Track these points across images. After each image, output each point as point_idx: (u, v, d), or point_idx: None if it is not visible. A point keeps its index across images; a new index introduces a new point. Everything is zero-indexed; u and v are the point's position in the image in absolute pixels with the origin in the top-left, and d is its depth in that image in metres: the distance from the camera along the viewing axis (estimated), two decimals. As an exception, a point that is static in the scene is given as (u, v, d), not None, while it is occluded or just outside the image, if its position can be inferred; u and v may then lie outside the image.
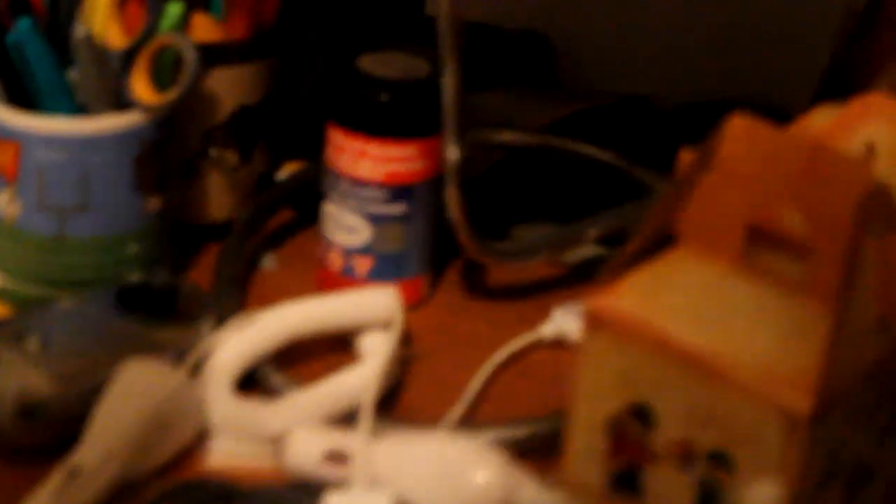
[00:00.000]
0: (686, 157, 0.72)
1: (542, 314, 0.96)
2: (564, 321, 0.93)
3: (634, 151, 1.09)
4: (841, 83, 0.94)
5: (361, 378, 0.83)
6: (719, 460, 0.70)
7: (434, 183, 0.93)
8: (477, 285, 0.99)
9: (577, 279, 1.01)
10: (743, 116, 0.71)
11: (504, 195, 1.06)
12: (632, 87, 1.28)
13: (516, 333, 0.94)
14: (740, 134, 0.71)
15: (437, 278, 0.99)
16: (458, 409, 0.85)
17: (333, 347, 0.90)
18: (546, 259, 0.97)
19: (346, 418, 0.83)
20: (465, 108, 0.88)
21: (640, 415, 0.73)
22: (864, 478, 0.73)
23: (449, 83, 0.86)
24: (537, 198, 1.07)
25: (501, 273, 1.01)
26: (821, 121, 0.79)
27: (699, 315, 0.71)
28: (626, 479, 0.74)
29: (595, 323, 0.73)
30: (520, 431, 0.82)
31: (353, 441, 0.78)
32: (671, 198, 0.73)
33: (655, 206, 0.73)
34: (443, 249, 0.98)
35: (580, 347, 0.74)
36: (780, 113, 1.11)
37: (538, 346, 0.94)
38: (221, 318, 0.87)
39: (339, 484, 0.78)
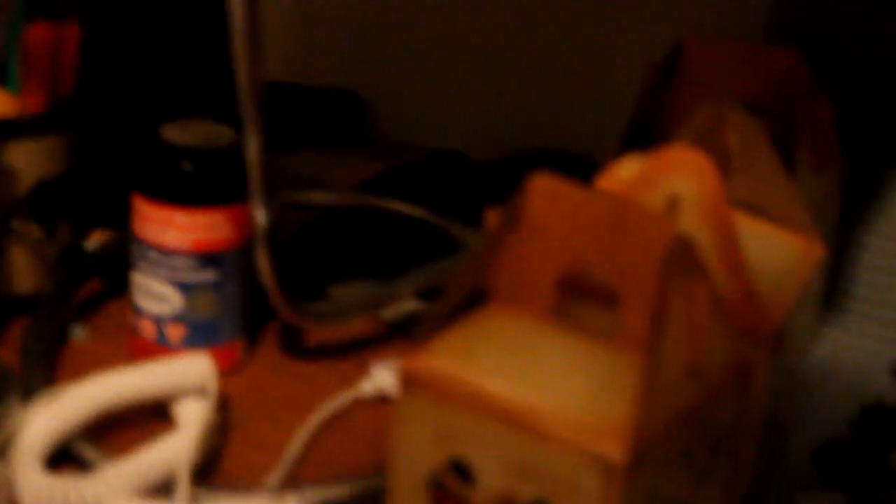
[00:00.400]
0: (493, 214, 0.73)
1: (362, 371, 0.96)
2: (383, 377, 0.94)
3: (449, 206, 1.10)
4: (646, 135, 0.96)
5: (177, 447, 0.82)
6: (539, 512, 0.71)
7: (245, 247, 0.93)
8: (295, 347, 0.99)
9: (396, 335, 1.01)
10: (545, 174, 0.72)
11: (319, 255, 1.06)
12: (445, 141, 1.29)
13: (336, 392, 0.94)
14: (543, 191, 0.72)
15: (254, 341, 0.99)
16: (278, 473, 0.84)
17: (151, 417, 0.89)
18: (363, 317, 0.97)
19: (163, 488, 0.82)
20: (272, 171, 0.88)
21: (460, 470, 0.73)
22: (683, 520, 0.75)
23: (252, 147, 0.86)
24: (354, 256, 1.07)
25: (320, 333, 1.00)
26: (626, 172, 0.81)
27: (513, 369, 0.72)
28: (449, 535, 0.75)
29: (410, 382, 0.73)
30: (341, 491, 0.82)
31: (172, 513, 0.77)
32: (481, 254, 0.74)
33: (466, 264, 0.74)
34: (259, 312, 0.97)
35: (396, 407, 0.74)
36: (593, 164, 1.13)
37: (359, 403, 0.94)
38: (28, 395, 0.86)
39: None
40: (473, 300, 0.76)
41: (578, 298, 0.74)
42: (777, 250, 0.84)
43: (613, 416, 0.69)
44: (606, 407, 0.69)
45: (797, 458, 0.89)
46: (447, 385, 0.72)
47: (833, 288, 1.01)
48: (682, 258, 0.69)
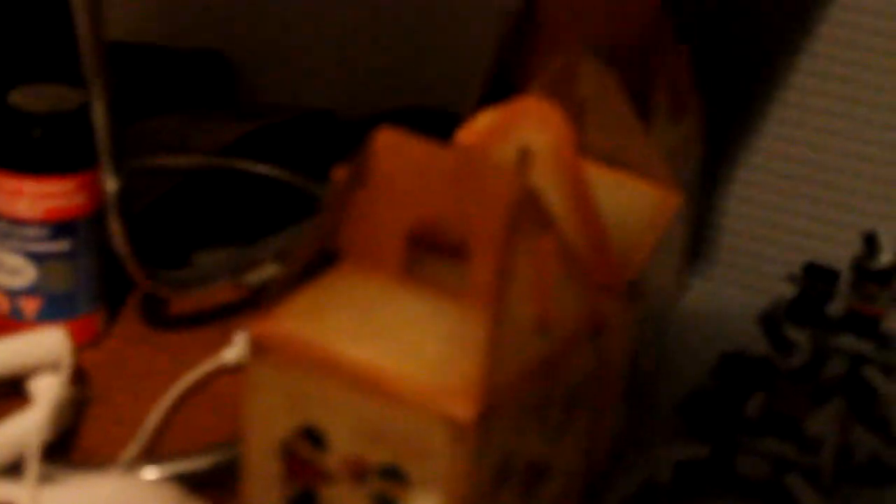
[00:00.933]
0: (339, 172, 0.72)
1: (227, 339, 0.95)
2: (245, 344, 0.92)
3: (316, 166, 1.09)
4: (506, 86, 0.95)
5: (28, 424, 0.80)
6: (392, 475, 0.70)
7: (100, 216, 0.91)
8: (156, 317, 0.98)
9: (259, 300, 1.00)
10: (389, 130, 0.71)
11: (181, 222, 1.05)
12: (316, 101, 1.27)
13: (199, 362, 0.92)
14: (388, 146, 0.71)
15: (114, 312, 0.97)
16: (135, 446, 0.83)
17: (6, 394, 0.87)
18: (225, 283, 0.96)
19: (16, 466, 0.80)
20: (123, 135, 0.86)
21: (312, 436, 0.72)
22: (541, 475, 0.74)
23: (98, 111, 0.84)
24: (216, 221, 1.05)
25: (182, 301, 0.99)
26: (483, 125, 0.80)
27: (364, 331, 0.71)
28: (304, 501, 0.74)
29: (259, 348, 0.72)
30: (198, 462, 0.81)
31: (21, 490, 0.75)
32: (329, 214, 0.73)
33: (315, 224, 0.73)
34: (119, 282, 0.96)
35: (247, 373, 0.73)
36: (459, 118, 1.12)
37: (222, 372, 0.92)
38: None
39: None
40: (325, 261, 0.75)
41: (431, 256, 0.74)
42: (633, 200, 0.83)
43: (461, 376, 0.68)
44: (455, 366, 0.69)
45: (665, 410, 0.89)
46: (296, 349, 0.71)
47: (698, 238, 1.01)
48: (528, 211, 0.68)
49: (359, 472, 0.71)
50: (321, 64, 1.26)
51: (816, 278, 0.90)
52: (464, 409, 0.67)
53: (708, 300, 0.99)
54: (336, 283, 0.74)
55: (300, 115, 1.18)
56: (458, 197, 0.70)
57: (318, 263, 0.75)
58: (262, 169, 1.05)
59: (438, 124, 1.08)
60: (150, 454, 0.84)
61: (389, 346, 0.70)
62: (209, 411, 0.89)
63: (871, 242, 0.88)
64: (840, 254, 0.98)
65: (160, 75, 1.21)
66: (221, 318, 0.98)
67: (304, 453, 0.73)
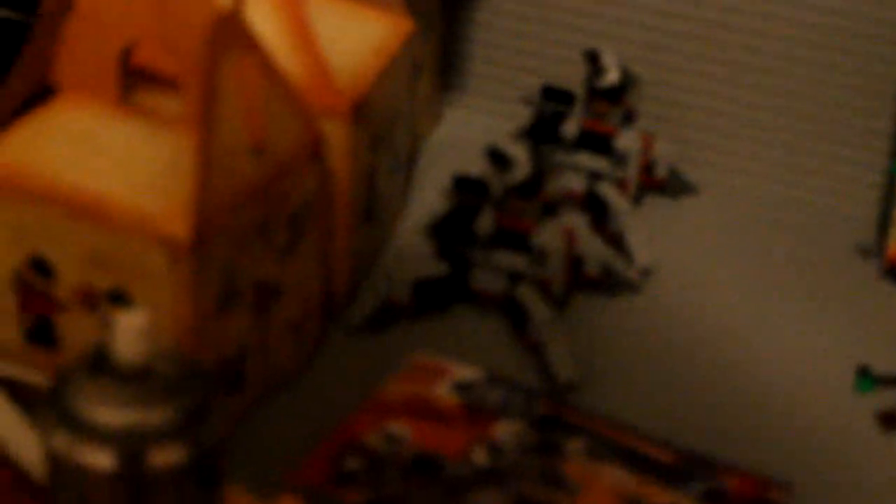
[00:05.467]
0: (48, 1, 0.74)
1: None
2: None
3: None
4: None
5: None
6: (119, 299, 0.74)
7: None
8: None
9: None
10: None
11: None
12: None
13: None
14: (96, -24, 0.73)
15: None
16: None
17: None
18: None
19: None
20: None
21: (41, 267, 0.75)
22: (271, 293, 0.78)
23: None
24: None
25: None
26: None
27: (83, 161, 0.74)
28: (41, 331, 0.77)
29: (-21, 182, 0.75)
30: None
31: None
32: (39, 45, 0.75)
33: (25, 55, 0.75)
34: None
35: (-29, 208, 0.76)
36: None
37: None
38: None
39: None
40: (43, 95, 0.78)
41: (148, 85, 0.77)
42: (361, 28, 0.87)
43: (177, 199, 0.72)
44: (171, 191, 0.72)
45: (415, 234, 0.94)
46: (15, 181, 0.74)
47: (448, 66, 1.05)
48: (231, 34, 0.71)
49: (88, 299, 0.74)
50: None
51: (552, 99, 0.95)
52: (179, 229, 0.71)
53: (459, 128, 1.04)
54: (53, 116, 0.76)
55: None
56: (164, 22, 0.72)
57: (36, 98, 0.78)
58: None
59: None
60: None
61: (107, 174, 0.73)
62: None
63: (594, 61, 0.92)
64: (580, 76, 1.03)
65: None
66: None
67: (35, 285, 0.76)
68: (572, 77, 1.02)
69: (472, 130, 1.05)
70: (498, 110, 1.05)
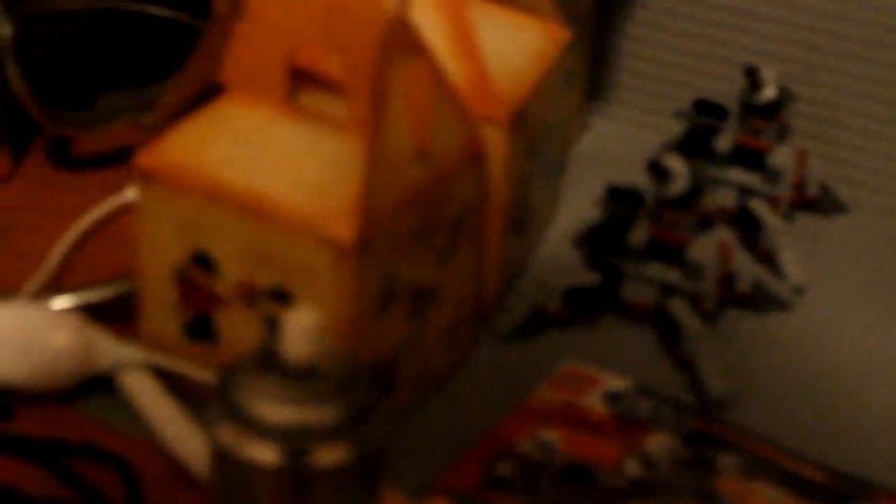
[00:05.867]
0: (218, 3, 0.76)
1: (129, 179, 0.99)
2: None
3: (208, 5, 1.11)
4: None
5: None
6: (280, 296, 0.75)
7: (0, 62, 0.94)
8: (63, 157, 1.01)
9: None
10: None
11: (84, 64, 1.08)
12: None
13: (103, 201, 0.96)
14: (268, -22, 0.75)
15: (21, 152, 1.01)
16: (39, 279, 0.87)
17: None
18: (125, 124, 0.99)
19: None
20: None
21: (203, 263, 0.77)
22: (428, 297, 0.79)
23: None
24: (116, 63, 1.08)
25: (86, 144, 1.03)
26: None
27: (249, 160, 0.75)
28: (200, 326, 0.78)
29: (147, 177, 0.76)
30: (100, 293, 0.85)
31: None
32: (208, 45, 0.76)
33: (195, 57, 0.77)
34: (26, 125, 0.99)
35: (137, 203, 0.77)
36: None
37: (124, 210, 0.96)
38: None
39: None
40: (211, 95, 0.79)
41: (314, 87, 0.78)
42: (518, 35, 0.87)
43: (343, 201, 0.73)
44: (336, 192, 0.73)
45: (562, 244, 0.94)
46: (182, 178, 0.75)
47: (597, 77, 1.05)
48: (400, 37, 0.72)
49: (249, 295, 0.76)
50: None
51: (705, 113, 0.94)
52: (345, 231, 0.71)
53: (607, 139, 1.04)
54: (221, 115, 0.78)
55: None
56: (333, 25, 0.73)
57: (203, 96, 0.79)
58: (154, 9, 1.08)
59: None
60: (55, 287, 0.88)
61: (273, 173, 0.75)
62: (111, 248, 0.93)
63: (753, 76, 0.92)
64: (734, 91, 1.02)
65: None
66: (124, 159, 1.02)
67: (196, 280, 0.77)
68: (723, 92, 1.02)
69: (617, 142, 1.05)
70: (644, 122, 1.05)
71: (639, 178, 0.99)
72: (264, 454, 0.60)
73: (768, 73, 0.93)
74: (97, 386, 0.80)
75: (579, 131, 1.04)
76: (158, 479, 0.75)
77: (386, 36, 0.71)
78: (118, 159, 1.02)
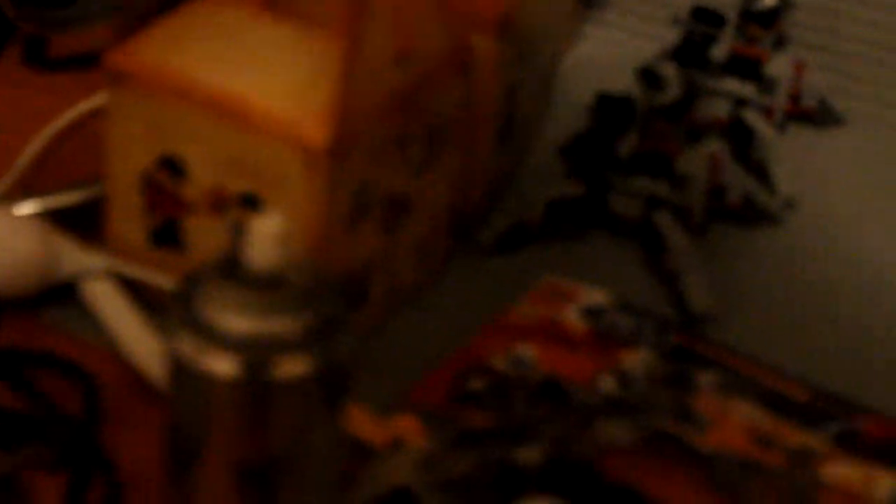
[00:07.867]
0: None
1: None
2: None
3: None
4: None
5: None
6: (250, 203, 0.73)
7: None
8: (39, 59, 0.99)
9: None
10: None
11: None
12: None
13: (77, 103, 0.95)
14: None
15: (-5, 53, 0.99)
16: (6, 180, 0.86)
17: None
18: (105, 24, 0.98)
19: None
20: None
21: (173, 167, 0.75)
22: (402, 208, 0.77)
23: None
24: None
25: (64, 46, 1.01)
26: None
27: (224, 61, 0.74)
28: (167, 233, 0.77)
29: (116, 77, 0.75)
30: (68, 198, 0.84)
31: None
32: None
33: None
34: (2, 23, 0.97)
35: (107, 104, 0.75)
36: None
37: (100, 114, 0.95)
38: None
39: None
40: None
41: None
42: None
43: (318, 105, 0.71)
44: (313, 96, 0.72)
45: (550, 153, 0.93)
46: (154, 77, 0.74)
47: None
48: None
49: (218, 202, 0.74)
50: None
51: (703, 21, 0.92)
52: (317, 136, 0.70)
53: (602, 47, 1.02)
54: (199, 15, 0.76)
55: None
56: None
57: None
58: None
59: None
60: (24, 189, 0.87)
61: (249, 75, 0.73)
62: (84, 151, 0.91)
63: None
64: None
65: None
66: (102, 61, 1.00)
67: (165, 184, 0.76)
68: (722, 2, 1.00)
69: (612, 50, 1.03)
70: (640, 30, 1.03)
71: (634, 89, 0.98)
72: (222, 365, 0.59)
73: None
74: (61, 294, 0.79)
75: (573, 39, 1.02)
76: (118, 390, 0.74)
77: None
78: (96, 61, 1.00)
